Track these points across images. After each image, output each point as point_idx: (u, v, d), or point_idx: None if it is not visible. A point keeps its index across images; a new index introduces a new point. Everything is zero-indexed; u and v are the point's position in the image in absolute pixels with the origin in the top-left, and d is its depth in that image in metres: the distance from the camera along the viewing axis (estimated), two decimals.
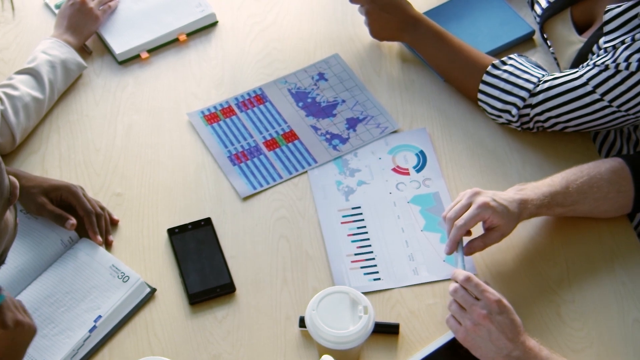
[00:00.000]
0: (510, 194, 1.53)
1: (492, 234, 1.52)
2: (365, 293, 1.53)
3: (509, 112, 1.71)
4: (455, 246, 1.51)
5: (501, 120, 1.75)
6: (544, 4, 1.86)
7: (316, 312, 1.40)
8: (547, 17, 1.85)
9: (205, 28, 1.98)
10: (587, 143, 1.74)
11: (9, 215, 1.29)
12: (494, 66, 1.73)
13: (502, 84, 1.71)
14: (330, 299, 1.42)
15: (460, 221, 1.49)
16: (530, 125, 1.72)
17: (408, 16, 1.81)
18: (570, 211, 1.58)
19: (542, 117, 1.69)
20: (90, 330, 1.50)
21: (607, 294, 1.54)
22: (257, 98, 1.84)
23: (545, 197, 1.55)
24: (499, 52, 1.87)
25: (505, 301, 1.39)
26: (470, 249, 1.52)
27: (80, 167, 1.74)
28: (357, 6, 1.88)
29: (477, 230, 1.53)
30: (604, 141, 1.79)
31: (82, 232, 1.62)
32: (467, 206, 1.50)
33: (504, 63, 1.73)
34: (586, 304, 1.53)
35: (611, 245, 1.59)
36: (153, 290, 1.57)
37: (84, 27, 1.91)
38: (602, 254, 1.59)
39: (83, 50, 1.93)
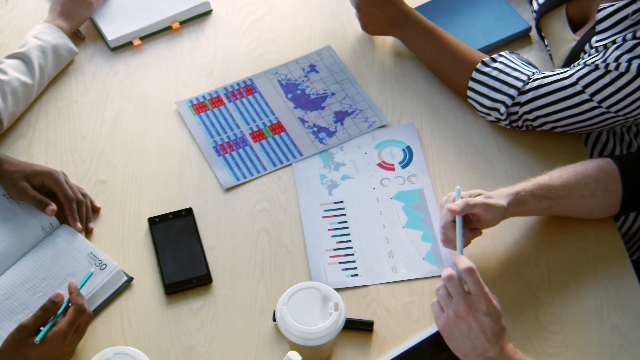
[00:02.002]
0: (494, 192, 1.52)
1: (477, 199, 1.47)
2: (342, 289, 1.53)
3: (497, 110, 1.69)
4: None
5: (490, 118, 1.72)
6: (541, 0, 1.83)
7: (286, 307, 1.39)
8: (543, 13, 1.83)
9: (199, 17, 1.97)
10: (577, 143, 1.71)
11: None
12: (484, 63, 1.70)
13: (490, 82, 1.69)
14: (301, 295, 1.41)
15: (453, 205, 1.47)
16: (519, 123, 1.70)
17: (398, 11, 1.79)
18: (557, 205, 1.54)
19: (530, 116, 1.67)
20: None
21: (587, 298, 1.51)
22: (246, 88, 1.83)
23: (528, 185, 1.52)
24: (494, 48, 1.84)
25: (496, 304, 1.36)
26: (456, 207, 1.46)
27: (66, 153, 1.75)
28: None
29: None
30: (596, 142, 1.76)
31: (63, 218, 1.62)
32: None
33: (494, 60, 1.70)
34: (565, 307, 1.50)
35: (595, 248, 1.57)
36: (130, 279, 1.57)
37: (77, 12, 1.91)
38: (585, 257, 1.56)
39: (76, 36, 1.93)
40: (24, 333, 1.40)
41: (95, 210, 1.66)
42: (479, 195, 1.49)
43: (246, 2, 2.00)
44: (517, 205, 1.51)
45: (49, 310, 1.42)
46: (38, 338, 1.38)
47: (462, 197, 1.48)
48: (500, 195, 1.50)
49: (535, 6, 1.85)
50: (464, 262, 1.37)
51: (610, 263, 1.55)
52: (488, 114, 1.72)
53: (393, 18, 1.80)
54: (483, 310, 1.35)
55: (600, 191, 1.54)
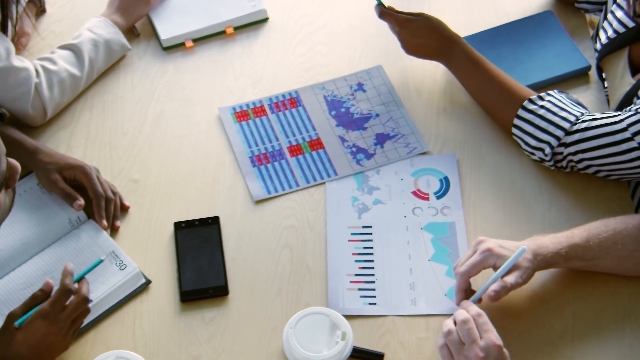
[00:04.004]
0: (521, 242, 1.46)
1: (509, 278, 1.44)
2: (357, 316, 1.50)
3: (542, 150, 1.63)
4: (462, 295, 1.45)
5: (534, 157, 1.67)
6: (604, 40, 1.77)
7: (293, 330, 1.37)
8: (605, 54, 1.76)
9: (255, 23, 1.96)
10: (622, 192, 1.64)
11: (3, 197, 1.30)
12: (531, 101, 1.64)
13: (537, 121, 1.63)
14: (310, 319, 1.39)
15: (462, 267, 1.44)
16: (564, 163, 1.64)
17: (443, 39, 1.74)
18: (590, 266, 1.49)
19: (575, 158, 1.60)
20: None
21: (611, 355, 1.45)
22: (291, 101, 1.81)
23: (563, 248, 1.47)
24: (550, 84, 1.79)
25: (505, 350, 1.34)
26: (495, 295, 1.42)
27: (105, 149, 1.75)
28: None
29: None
30: None
31: (91, 214, 1.62)
32: (472, 255, 1.46)
33: (541, 98, 1.64)
34: None
35: (625, 304, 1.50)
36: (148, 282, 1.56)
37: (134, 9, 1.92)
38: (613, 311, 1.50)
39: (131, 32, 1.94)
40: (10, 319, 1.42)
41: (124, 209, 1.66)
42: (513, 274, 1.44)
43: (303, 13, 1.98)
44: (546, 266, 1.48)
45: (37, 298, 1.44)
46: (17, 322, 1.41)
47: (488, 250, 1.44)
48: (531, 262, 1.44)
49: (598, 46, 1.79)
50: (474, 307, 1.37)
51: (639, 323, 1.48)
52: (532, 153, 1.66)
53: (438, 47, 1.74)
54: (494, 355, 1.33)
55: (639, 252, 1.47)
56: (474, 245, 1.47)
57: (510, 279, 1.43)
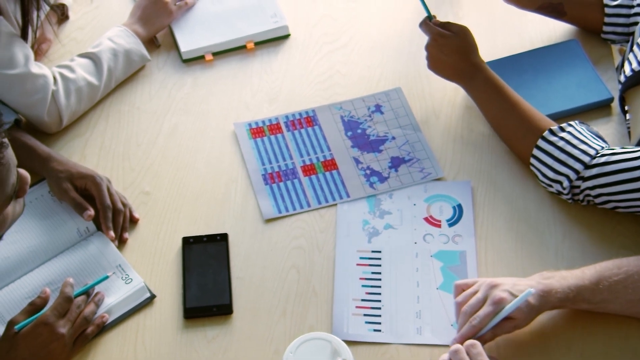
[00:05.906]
0: (532, 283, 1.43)
1: (504, 325, 1.42)
2: (360, 343, 1.48)
3: (560, 183, 1.60)
4: (464, 341, 1.40)
5: (551, 190, 1.63)
6: (628, 72, 1.73)
7: (293, 355, 1.35)
8: (629, 86, 1.73)
9: (276, 40, 1.95)
10: (638, 228, 1.60)
11: (12, 207, 1.30)
12: (551, 132, 1.61)
13: (556, 153, 1.60)
14: (311, 344, 1.37)
15: (474, 320, 1.40)
16: (580, 197, 1.61)
17: (468, 64, 1.71)
18: (598, 308, 1.46)
19: (593, 192, 1.57)
20: None
21: None
22: (307, 120, 1.80)
23: (571, 291, 1.43)
24: (570, 115, 1.76)
25: None
26: (480, 340, 1.40)
27: (118, 159, 1.75)
28: None
29: None
30: None
31: (100, 224, 1.62)
32: (483, 300, 1.42)
33: (562, 129, 1.61)
34: None
35: (637, 347, 1.46)
36: (152, 297, 1.55)
37: (156, 20, 1.92)
38: (624, 354, 1.45)
39: (152, 43, 1.94)
40: (11, 326, 1.44)
41: (134, 221, 1.65)
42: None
43: (325, 32, 1.97)
44: (552, 308, 1.45)
45: (35, 305, 1.47)
46: (17, 326, 1.43)
47: (501, 301, 1.40)
48: (532, 307, 1.42)
49: (622, 78, 1.76)
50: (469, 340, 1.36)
51: None
52: (550, 185, 1.63)
53: (462, 70, 1.72)
54: None
55: None
56: (485, 287, 1.43)
57: (503, 329, 1.42)
